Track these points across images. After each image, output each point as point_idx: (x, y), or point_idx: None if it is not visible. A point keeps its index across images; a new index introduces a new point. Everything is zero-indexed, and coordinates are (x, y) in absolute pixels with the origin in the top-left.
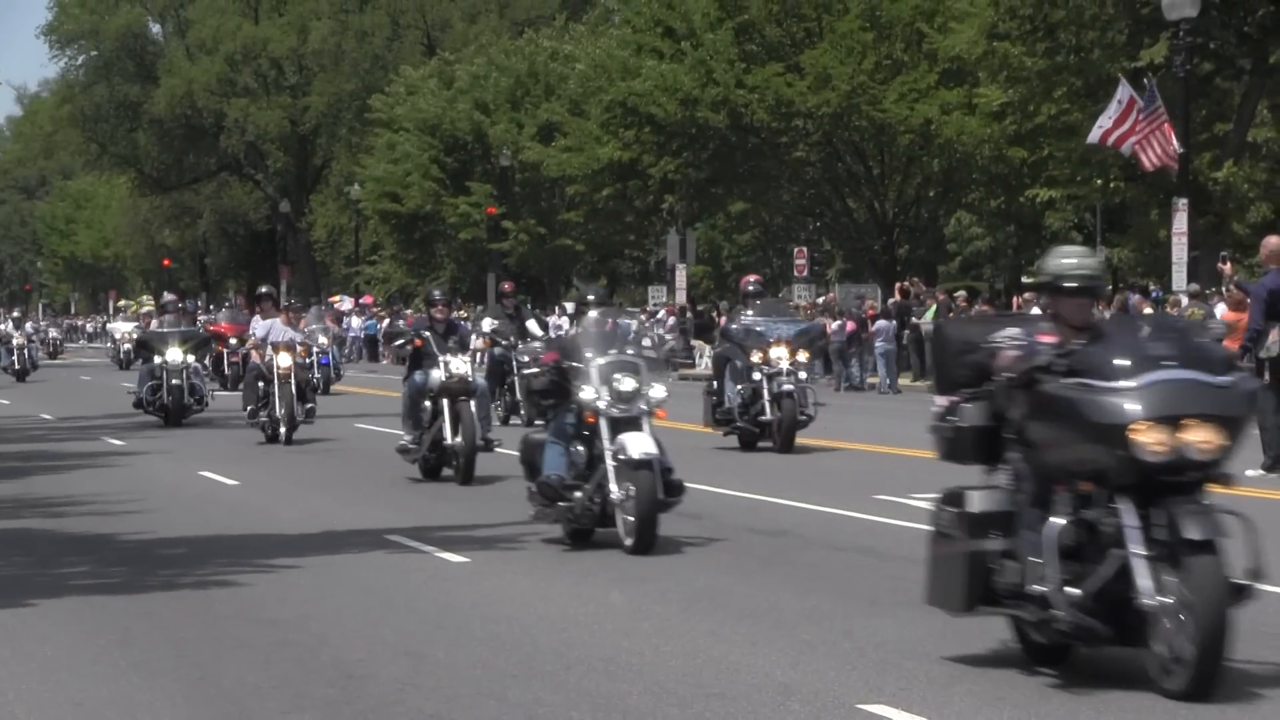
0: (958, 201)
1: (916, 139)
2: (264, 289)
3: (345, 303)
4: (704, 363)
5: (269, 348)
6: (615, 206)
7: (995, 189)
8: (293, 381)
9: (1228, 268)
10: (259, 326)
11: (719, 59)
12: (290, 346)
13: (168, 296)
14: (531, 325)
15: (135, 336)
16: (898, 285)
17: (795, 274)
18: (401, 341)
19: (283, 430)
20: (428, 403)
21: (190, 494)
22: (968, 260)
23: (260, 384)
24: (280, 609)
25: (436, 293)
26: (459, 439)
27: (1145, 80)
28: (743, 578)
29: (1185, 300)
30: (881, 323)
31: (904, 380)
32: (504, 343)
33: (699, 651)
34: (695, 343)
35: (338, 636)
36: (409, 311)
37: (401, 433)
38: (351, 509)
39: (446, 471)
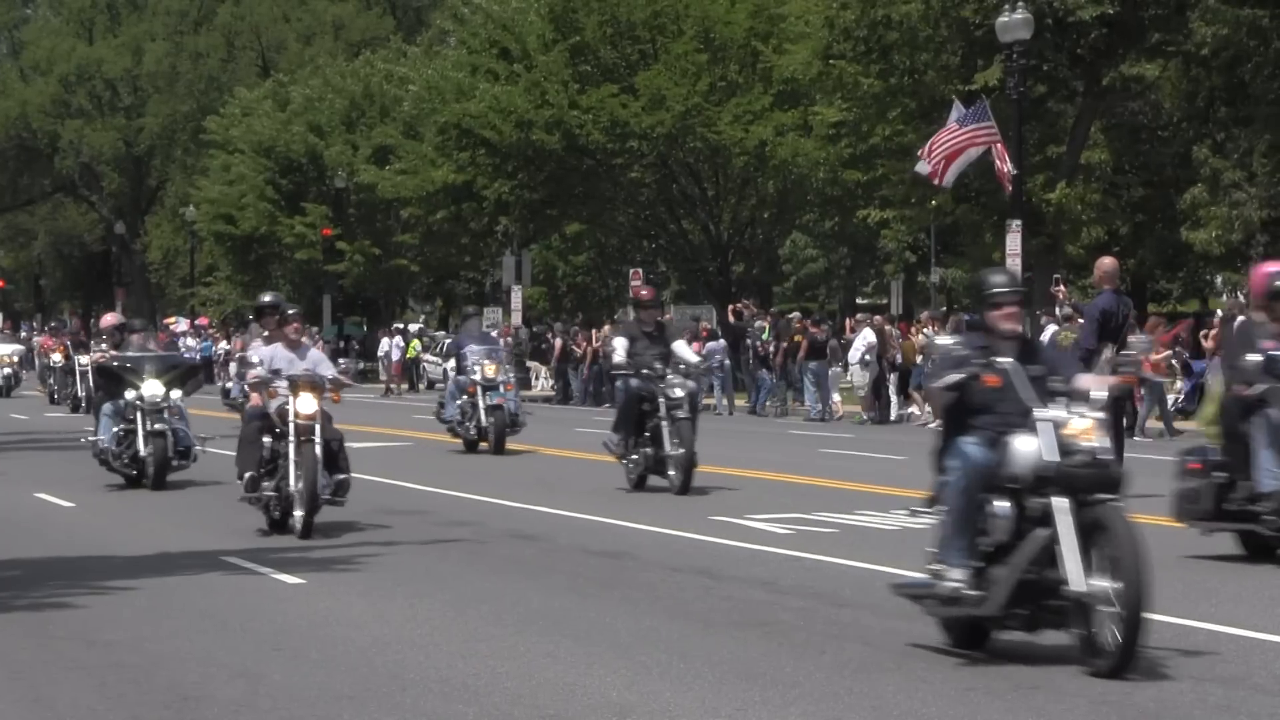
0: (792, 223)
1: (751, 160)
2: (269, 298)
3: (181, 324)
4: (542, 383)
5: (283, 384)
6: (450, 228)
7: (830, 210)
8: (318, 439)
9: (1062, 291)
10: (262, 351)
11: (553, 80)
12: (316, 385)
13: (109, 319)
14: (679, 348)
15: (94, 363)
16: (730, 306)
17: (631, 295)
18: (958, 378)
19: (298, 515)
20: (1002, 505)
21: (25, 516)
22: (802, 281)
23: (266, 440)
24: (115, 631)
25: (999, 280)
26: (1102, 580)
27: (978, 101)
28: (579, 599)
29: (1053, 327)
30: (712, 344)
31: (738, 401)
32: (645, 372)
33: (535, 673)
34: (531, 364)
35: (173, 658)
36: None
37: (942, 578)
38: (187, 531)
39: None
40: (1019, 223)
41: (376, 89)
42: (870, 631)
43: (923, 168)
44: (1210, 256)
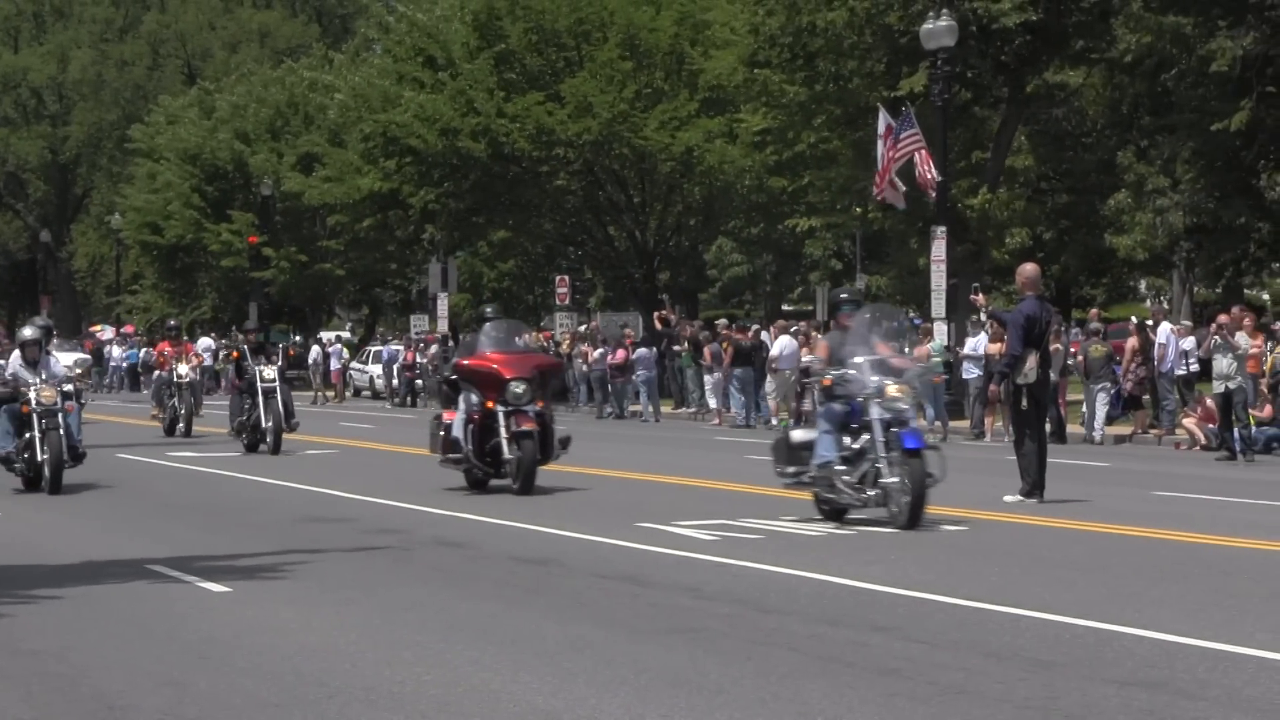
0: (718, 229)
1: (678, 167)
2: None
3: (107, 332)
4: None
5: None
6: (377, 236)
7: (755, 217)
8: None
9: (980, 299)
10: None
11: (479, 88)
12: None
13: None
14: None
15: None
16: (656, 314)
17: (557, 302)
18: None
19: None
20: None
21: None
22: (728, 287)
23: None
24: (40, 640)
25: None
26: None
27: (903, 108)
28: (505, 606)
29: (983, 335)
30: (642, 351)
31: (665, 408)
32: None
33: (460, 680)
34: None
35: (99, 667)
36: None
37: None
38: (112, 539)
39: None
40: (944, 229)
41: (302, 97)
42: (795, 637)
43: (893, 197)
44: (1134, 262)
